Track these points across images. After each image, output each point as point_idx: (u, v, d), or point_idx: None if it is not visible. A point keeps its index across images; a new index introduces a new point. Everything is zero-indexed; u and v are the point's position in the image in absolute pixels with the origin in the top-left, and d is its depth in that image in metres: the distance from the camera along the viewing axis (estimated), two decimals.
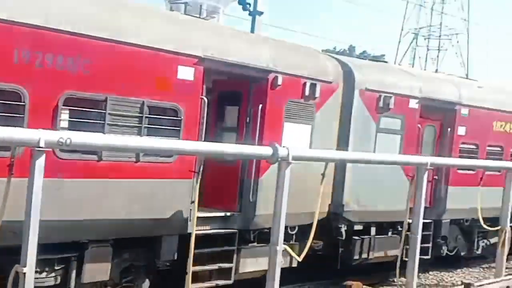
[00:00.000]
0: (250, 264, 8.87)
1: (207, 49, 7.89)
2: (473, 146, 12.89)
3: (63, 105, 6.42)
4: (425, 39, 78.97)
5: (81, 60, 6.54)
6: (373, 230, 10.93)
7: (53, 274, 6.67)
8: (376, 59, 17.71)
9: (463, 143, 12.61)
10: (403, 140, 11.16)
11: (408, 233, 10.43)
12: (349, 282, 9.86)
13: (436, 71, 73.16)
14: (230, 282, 8.54)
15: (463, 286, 10.23)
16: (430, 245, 11.87)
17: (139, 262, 7.67)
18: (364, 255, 10.82)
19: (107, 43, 6.76)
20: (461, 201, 12.29)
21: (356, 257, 10.65)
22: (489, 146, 13.30)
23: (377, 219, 10.87)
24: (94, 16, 6.84)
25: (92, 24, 6.69)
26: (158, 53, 7.29)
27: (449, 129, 12.34)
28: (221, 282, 8.40)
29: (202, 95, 7.87)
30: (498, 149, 13.60)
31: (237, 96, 9.09)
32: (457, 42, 76.44)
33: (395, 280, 10.39)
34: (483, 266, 14.18)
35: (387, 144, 10.81)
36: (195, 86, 7.77)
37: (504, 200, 11.95)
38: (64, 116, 6.52)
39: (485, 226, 12.16)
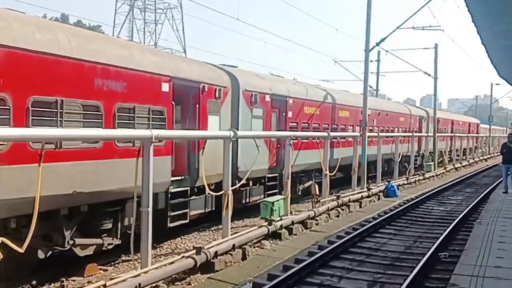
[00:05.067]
0: (195, 209, 13.48)
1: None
2: (295, 124, 19.29)
3: None
4: (141, 11, 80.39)
5: None
6: (250, 183, 16.28)
7: None
8: (93, 29, 20.94)
9: (291, 122, 18.86)
10: (264, 123, 16.83)
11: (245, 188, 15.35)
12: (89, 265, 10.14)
13: (155, 45, 73.26)
14: (186, 221, 13.06)
15: (194, 250, 10.19)
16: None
17: None
18: (247, 200, 16.17)
19: None
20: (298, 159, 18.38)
21: (243, 201, 15.91)
22: (302, 123, 19.90)
23: (253, 175, 16.24)
24: None
25: None
26: None
27: (283, 113, 18.41)
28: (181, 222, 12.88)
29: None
30: (307, 125, 20.32)
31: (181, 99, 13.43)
32: (172, 16, 79.70)
33: (130, 255, 9.68)
34: (212, 229, 14.56)
35: (257, 126, 16.31)
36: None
37: (224, 168, 12.03)
38: None
39: (208, 191, 12.64)
